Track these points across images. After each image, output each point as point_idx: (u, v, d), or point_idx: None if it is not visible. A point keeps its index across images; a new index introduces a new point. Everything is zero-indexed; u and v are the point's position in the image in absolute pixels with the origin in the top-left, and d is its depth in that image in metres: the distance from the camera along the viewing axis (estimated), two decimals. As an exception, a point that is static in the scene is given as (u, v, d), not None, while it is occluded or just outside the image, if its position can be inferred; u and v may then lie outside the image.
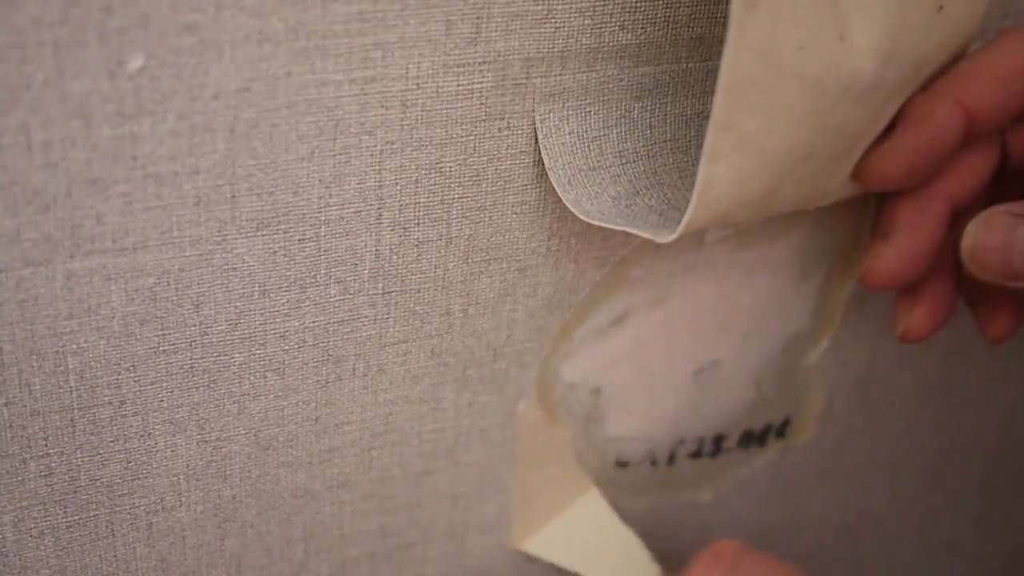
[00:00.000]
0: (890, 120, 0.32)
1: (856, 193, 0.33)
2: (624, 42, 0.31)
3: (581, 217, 0.31)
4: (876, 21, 0.28)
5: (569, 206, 0.31)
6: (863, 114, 0.30)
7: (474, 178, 0.32)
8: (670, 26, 0.32)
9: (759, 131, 0.28)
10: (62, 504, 0.31)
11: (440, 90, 0.30)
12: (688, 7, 0.32)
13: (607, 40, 0.31)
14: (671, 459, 0.41)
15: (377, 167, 0.30)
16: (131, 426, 0.31)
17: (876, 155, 0.32)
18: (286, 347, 0.32)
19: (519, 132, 0.31)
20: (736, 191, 0.29)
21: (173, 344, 0.30)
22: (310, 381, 0.33)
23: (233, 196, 0.29)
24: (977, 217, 0.32)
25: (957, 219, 0.34)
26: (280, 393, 0.32)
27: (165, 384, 0.31)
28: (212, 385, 0.31)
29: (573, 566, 0.39)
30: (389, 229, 0.31)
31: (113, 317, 0.29)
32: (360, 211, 0.31)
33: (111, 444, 0.31)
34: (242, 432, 0.33)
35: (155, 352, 0.30)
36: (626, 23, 0.31)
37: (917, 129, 0.32)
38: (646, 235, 0.30)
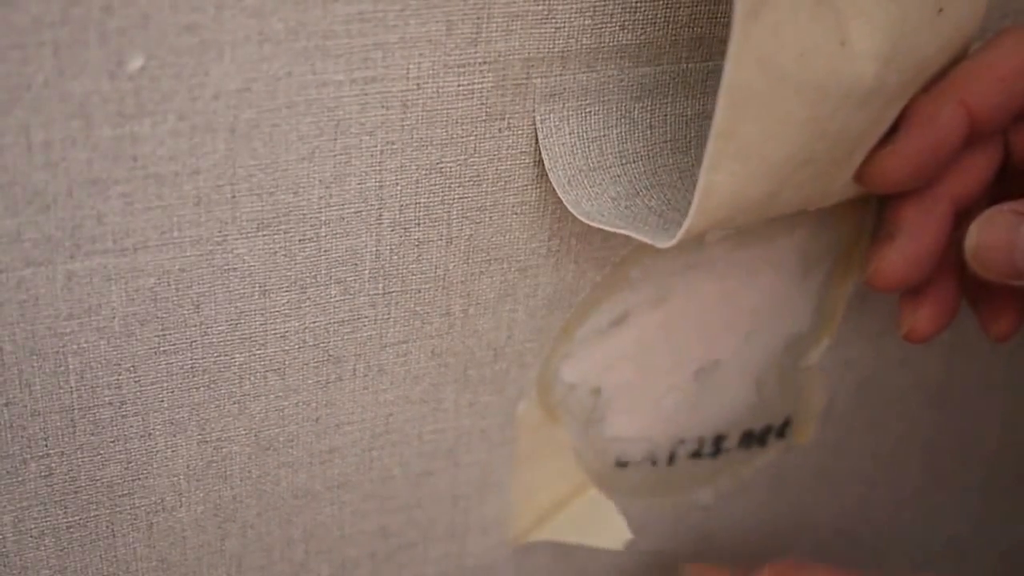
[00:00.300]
0: (892, 123, 0.32)
1: (858, 194, 0.33)
2: (624, 42, 0.31)
3: (581, 219, 0.31)
4: (876, 25, 0.28)
5: (569, 207, 0.31)
6: (864, 118, 0.30)
7: (474, 178, 0.31)
8: (670, 26, 0.32)
9: (759, 139, 0.28)
10: (62, 504, 0.31)
11: (440, 90, 0.30)
12: (688, 7, 0.32)
13: (607, 40, 0.31)
14: (671, 459, 0.41)
15: (377, 167, 0.30)
16: (131, 426, 0.31)
17: (880, 158, 0.32)
18: (286, 347, 0.32)
19: (519, 132, 0.31)
20: (735, 198, 0.29)
21: (173, 344, 0.30)
22: (310, 381, 0.33)
23: (233, 196, 0.29)
24: (980, 216, 0.32)
25: (961, 219, 0.34)
26: (280, 393, 0.32)
27: (165, 384, 0.31)
28: (212, 385, 0.31)
29: (561, 538, 0.39)
30: (389, 229, 0.31)
31: (113, 317, 0.29)
32: (360, 211, 0.30)
33: (111, 444, 0.31)
34: (243, 432, 0.33)
35: (155, 352, 0.30)
36: (626, 23, 0.31)
37: (921, 131, 0.31)
38: (645, 239, 0.30)
